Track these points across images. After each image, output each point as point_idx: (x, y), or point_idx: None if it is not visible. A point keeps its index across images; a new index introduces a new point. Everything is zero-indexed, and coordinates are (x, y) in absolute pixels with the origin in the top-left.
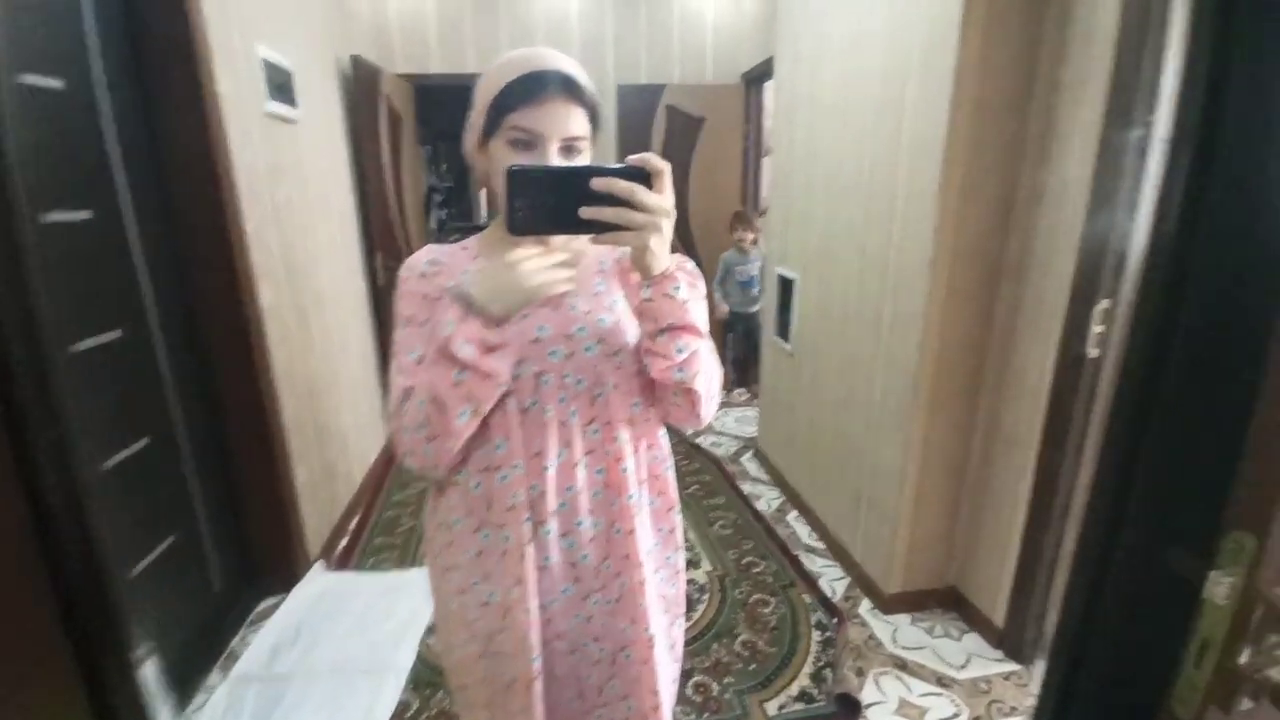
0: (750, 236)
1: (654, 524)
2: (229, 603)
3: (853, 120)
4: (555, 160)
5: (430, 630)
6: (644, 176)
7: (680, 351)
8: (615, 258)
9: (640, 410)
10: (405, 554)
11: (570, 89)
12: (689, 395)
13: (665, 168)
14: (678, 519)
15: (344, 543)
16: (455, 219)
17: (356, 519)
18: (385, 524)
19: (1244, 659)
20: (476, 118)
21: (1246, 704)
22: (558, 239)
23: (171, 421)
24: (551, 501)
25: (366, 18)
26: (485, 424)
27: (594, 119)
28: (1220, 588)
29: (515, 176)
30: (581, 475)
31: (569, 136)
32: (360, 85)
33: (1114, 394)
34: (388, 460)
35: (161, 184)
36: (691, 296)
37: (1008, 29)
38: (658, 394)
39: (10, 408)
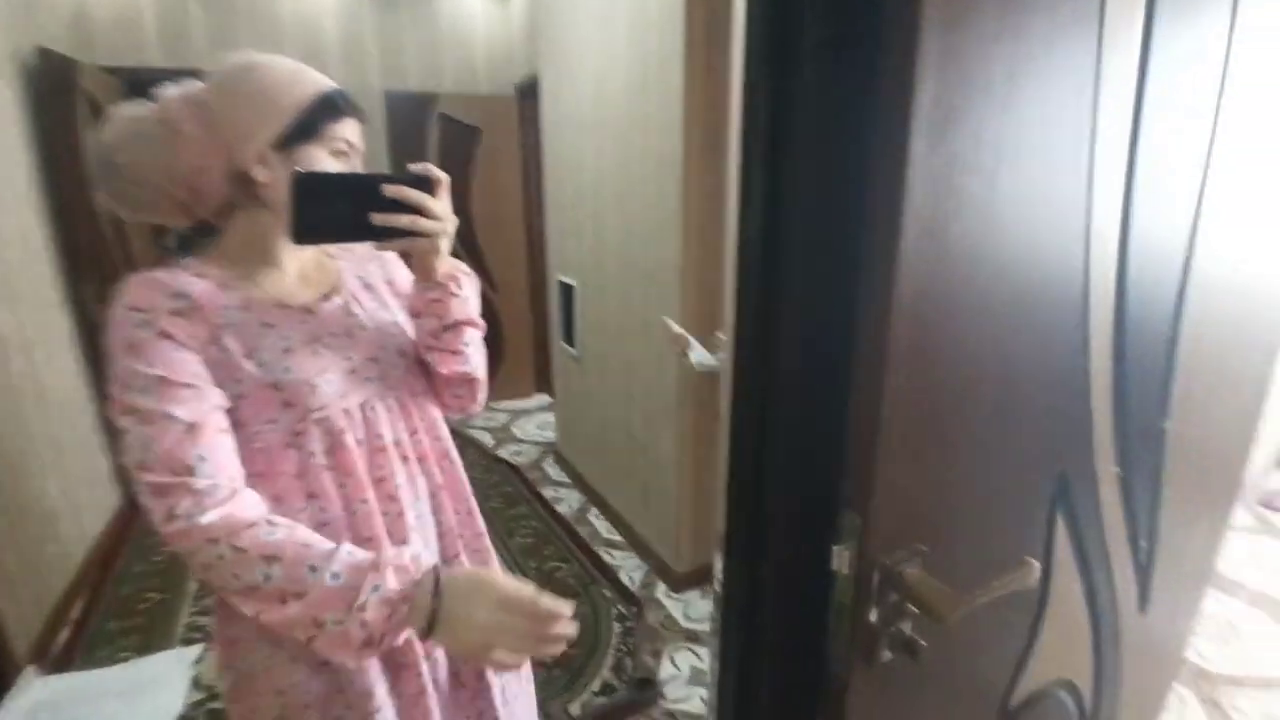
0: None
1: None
2: None
3: (608, 136)
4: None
5: None
6: (429, 185)
7: (467, 344)
8: (367, 272)
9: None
10: (151, 636)
11: (357, 106)
12: (472, 385)
13: (446, 178)
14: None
15: (64, 638)
16: (208, 232)
17: (80, 606)
18: (121, 604)
19: (874, 617)
20: (273, 119)
21: (887, 655)
22: (333, 247)
23: None
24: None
25: (59, 3)
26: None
27: None
28: (842, 560)
29: (303, 182)
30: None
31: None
32: (49, 80)
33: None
34: (121, 527)
35: None
36: (471, 293)
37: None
38: (437, 388)
39: None
